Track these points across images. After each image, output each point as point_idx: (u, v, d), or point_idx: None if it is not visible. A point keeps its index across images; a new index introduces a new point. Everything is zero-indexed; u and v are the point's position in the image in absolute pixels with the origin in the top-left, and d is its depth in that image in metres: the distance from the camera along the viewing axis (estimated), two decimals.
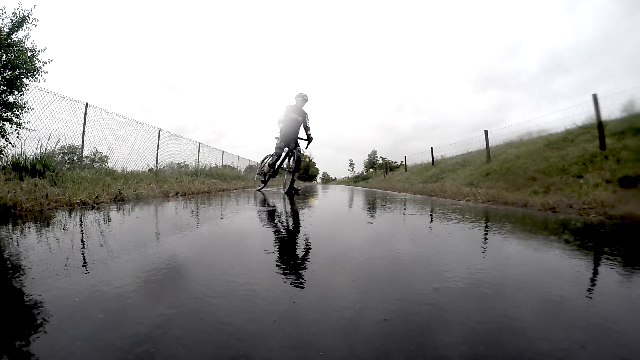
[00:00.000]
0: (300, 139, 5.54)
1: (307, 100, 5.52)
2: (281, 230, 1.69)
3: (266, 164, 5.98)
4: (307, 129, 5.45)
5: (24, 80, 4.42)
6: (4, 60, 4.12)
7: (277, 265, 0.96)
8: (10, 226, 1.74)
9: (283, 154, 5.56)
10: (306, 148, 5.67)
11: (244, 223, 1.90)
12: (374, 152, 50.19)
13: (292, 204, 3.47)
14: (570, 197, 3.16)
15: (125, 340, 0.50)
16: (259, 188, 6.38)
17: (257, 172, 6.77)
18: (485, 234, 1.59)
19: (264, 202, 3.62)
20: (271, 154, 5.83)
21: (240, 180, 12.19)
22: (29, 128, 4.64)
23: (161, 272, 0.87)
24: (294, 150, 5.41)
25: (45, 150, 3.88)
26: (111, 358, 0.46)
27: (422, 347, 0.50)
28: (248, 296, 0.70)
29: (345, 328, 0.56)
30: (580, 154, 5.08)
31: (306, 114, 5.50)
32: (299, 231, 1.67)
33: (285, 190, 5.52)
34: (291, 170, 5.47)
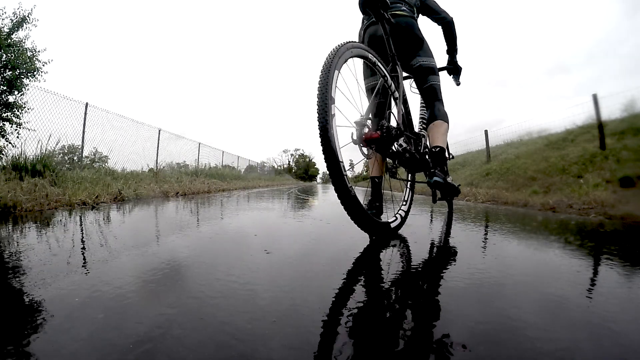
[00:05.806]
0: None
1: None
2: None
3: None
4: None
5: (24, 80, 4.42)
6: (4, 60, 4.13)
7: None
8: (10, 226, 1.74)
9: None
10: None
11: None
12: None
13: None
14: (570, 197, 3.16)
15: (125, 340, 0.50)
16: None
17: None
18: (485, 234, 1.59)
19: None
20: None
21: (240, 180, 12.17)
22: (29, 128, 4.65)
23: (161, 272, 0.87)
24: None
25: (45, 150, 3.88)
26: (111, 358, 0.46)
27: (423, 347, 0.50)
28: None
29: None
30: (580, 154, 5.08)
31: None
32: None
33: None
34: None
